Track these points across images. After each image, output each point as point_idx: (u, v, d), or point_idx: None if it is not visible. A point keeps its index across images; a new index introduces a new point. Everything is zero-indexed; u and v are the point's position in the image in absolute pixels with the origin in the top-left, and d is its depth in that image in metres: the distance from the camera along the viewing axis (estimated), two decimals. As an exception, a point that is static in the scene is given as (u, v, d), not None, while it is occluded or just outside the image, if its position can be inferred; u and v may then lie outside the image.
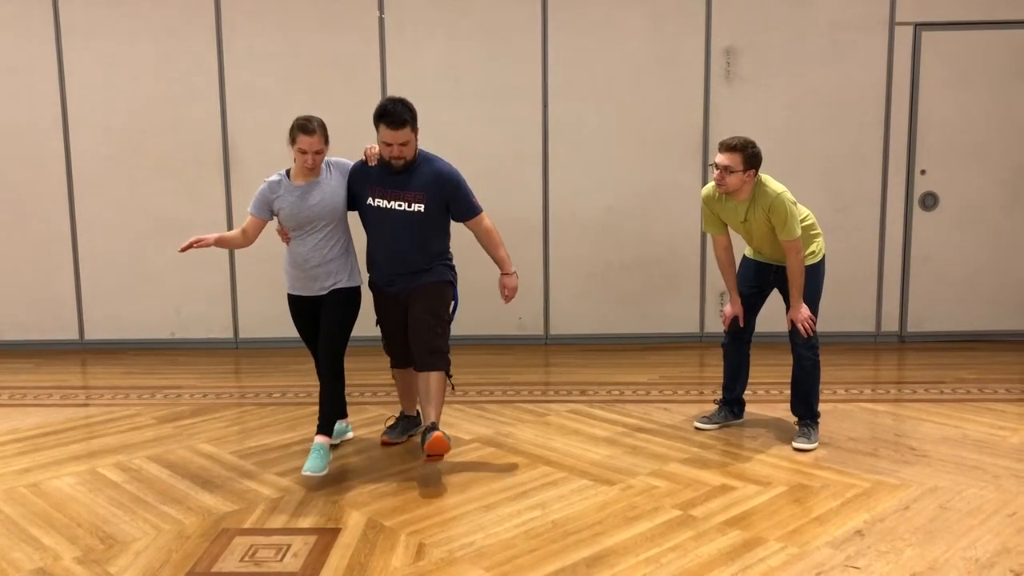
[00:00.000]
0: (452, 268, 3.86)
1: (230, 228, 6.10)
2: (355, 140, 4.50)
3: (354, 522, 3.25)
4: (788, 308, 4.02)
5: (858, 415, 4.49)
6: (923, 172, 6.02)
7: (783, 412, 4.36)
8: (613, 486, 3.56)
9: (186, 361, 5.91)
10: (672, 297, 6.18)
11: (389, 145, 3.59)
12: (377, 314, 3.92)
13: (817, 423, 4.08)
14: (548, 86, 5.98)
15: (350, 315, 3.77)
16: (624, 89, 5.97)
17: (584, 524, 3.20)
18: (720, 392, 4.38)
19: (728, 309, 4.19)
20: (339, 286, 3.75)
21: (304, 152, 3.61)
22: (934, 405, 4.65)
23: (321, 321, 3.78)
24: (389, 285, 3.79)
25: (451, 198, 3.73)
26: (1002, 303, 6.12)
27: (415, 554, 2.99)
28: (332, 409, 3.79)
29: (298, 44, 5.97)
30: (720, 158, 3.83)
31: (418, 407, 4.09)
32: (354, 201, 3.78)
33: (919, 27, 5.87)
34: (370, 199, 3.71)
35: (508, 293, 3.88)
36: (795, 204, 3.89)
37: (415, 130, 3.61)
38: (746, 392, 4.37)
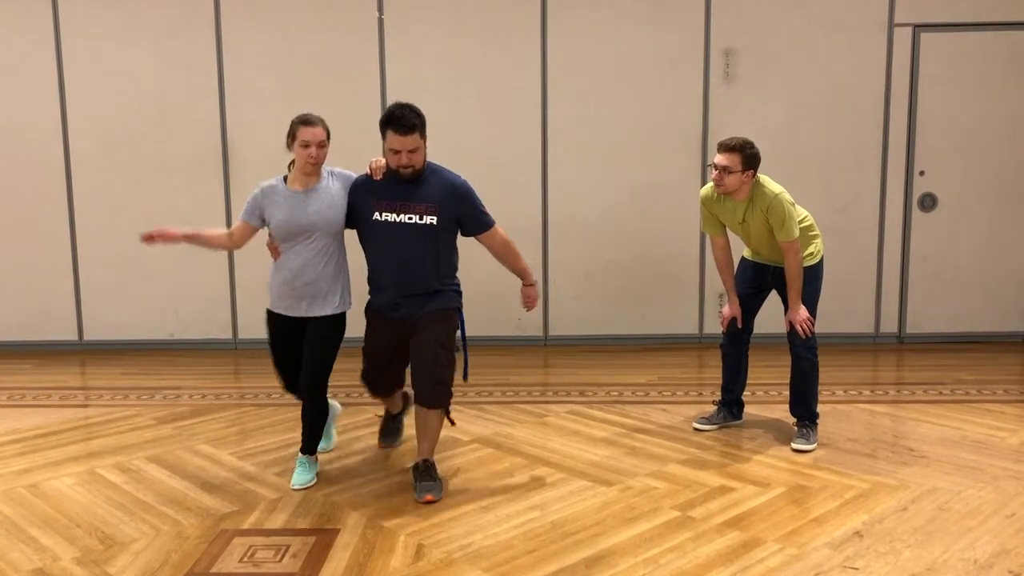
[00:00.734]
0: (460, 293, 3.66)
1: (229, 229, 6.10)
2: (354, 141, 4.51)
3: (353, 523, 3.25)
4: (787, 309, 4.02)
5: (857, 416, 4.50)
6: (922, 173, 6.02)
7: (782, 413, 4.37)
8: (612, 487, 3.56)
9: (185, 362, 5.91)
10: (671, 298, 6.18)
11: (397, 152, 3.37)
12: (368, 340, 3.65)
13: (816, 424, 4.09)
14: (547, 87, 5.99)
15: (338, 341, 3.58)
16: (623, 90, 5.97)
17: (583, 525, 3.20)
18: (719, 393, 4.38)
19: (726, 310, 4.19)
20: (327, 312, 3.52)
21: (307, 144, 3.41)
22: (933, 406, 4.65)
23: (306, 345, 3.54)
24: (394, 310, 3.52)
25: (462, 211, 3.51)
26: (1001, 304, 6.13)
27: (414, 555, 2.99)
28: (317, 431, 3.65)
29: (298, 45, 5.97)
30: (719, 158, 3.84)
31: (400, 406, 4.05)
32: (354, 218, 3.53)
33: (918, 28, 5.87)
34: (376, 214, 3.46)
35: (532, 304, 3.79)
36: (793, 205, 3.90)
37: (424, 137, 3.41)
38: (745, 393, 4.37)
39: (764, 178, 3.91)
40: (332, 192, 3.50)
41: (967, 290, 6.11)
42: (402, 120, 3.34)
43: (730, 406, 4.34)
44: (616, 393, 4.97)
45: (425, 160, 3.47)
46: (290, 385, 3.72)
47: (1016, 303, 6.13)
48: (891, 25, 5.88)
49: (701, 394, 4.92)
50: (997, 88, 5.90)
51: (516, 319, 6.14)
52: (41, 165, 6.08)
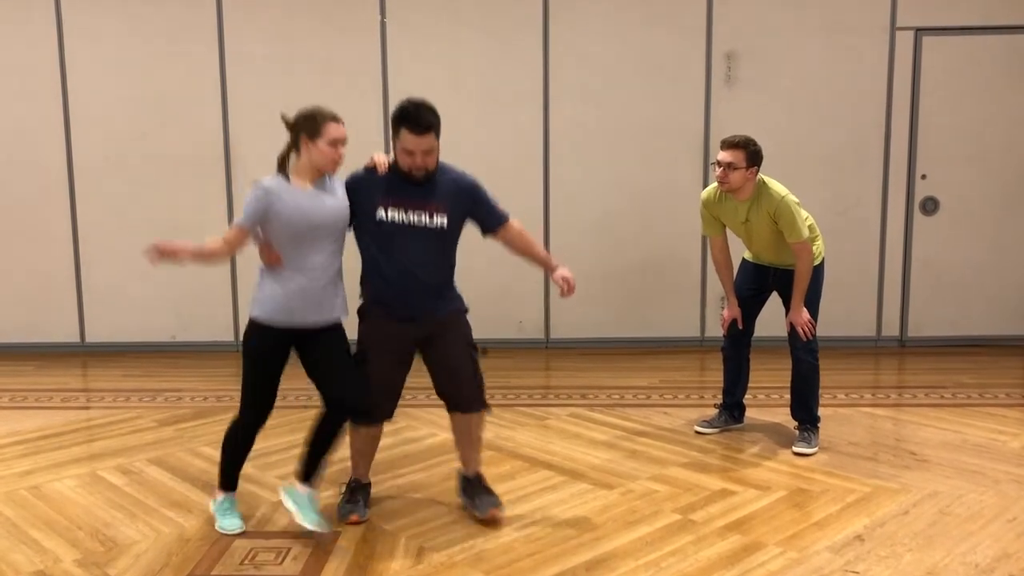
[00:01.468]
0: (461, 297, 3.41)
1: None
2: (356, 142, 4.50)
3: (353, 526, 3.25)
4: (788, 311, 4.02)
5: (858, 419, 4.49)
6: (923, 176, 6.02)
7: (783, 416, 4.36)
8: (613, 490, 3.56)
9: (187, 364, 5.91)
10: (673, 301, 6.18)
11: (411, 154, 3.09)
12: (372, 351, 3.27)
13: (817, 427, 4.08)
14: (549, 89, 5.99)
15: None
16: (625, 93, 5.98)
17: (584, 528, 3.20)
18: (720, 396, 4.38)
19: (726, 313, 4.19)
20: (341, 316, 3.22)
21: (336, 143, 3.07)
22: (934, 410, 4.65)
23: (327, 360, 3.18)
24: (409, 318, 3.22)
25: (475, 208, 3.27)
26: (1003, 308, 6.13)
27: (415, 558, 2.99)
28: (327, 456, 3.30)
29: (299, 47, 5.98)
30: (723, 155, 3.84)
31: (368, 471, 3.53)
32: (353, 216, 3.20)
33: (920, 32, 5.88)
34: (381, 211, 3.15)
35: (570, 286, 3.29)
36: (799, 205, 3.90)
37: (439, 137, 3.13)
38: (746, 396, 4.37)
39: (769, 180, 3.91)
40: (339, 190, 3.19)
41: (969, 294, 6.11)
42: (418, 118, 3.05)
43: (731, 409, 4.34)
44: (617, 396, 4.96)
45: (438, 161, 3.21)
46: (261, 417, 3.34)
47: (1018, 307, 6.13)
48: (893, 29, 5.88)
49: (702, 397, 4.92)
50: (999, 92, 5.90)
51: (518, 322, 6.15)
52: (43, 167, 6.09)
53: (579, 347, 6.17)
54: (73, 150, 6.08)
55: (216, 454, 4.05)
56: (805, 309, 3.96)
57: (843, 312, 5.93)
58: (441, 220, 3.19)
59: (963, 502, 3.41)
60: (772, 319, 4.41)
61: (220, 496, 3.31)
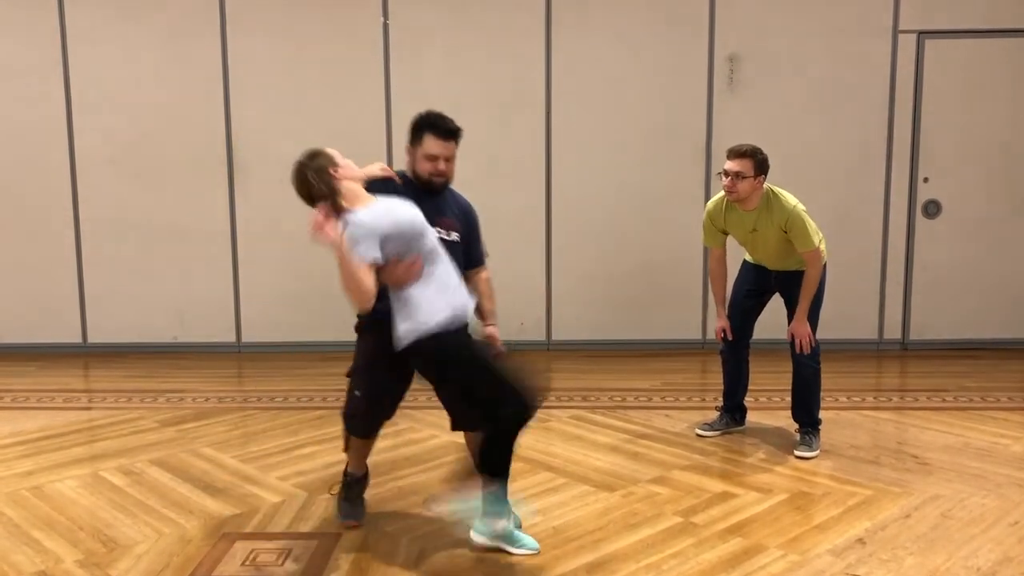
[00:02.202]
0: None
1: (233, 234, 6.12)
2: (359, 145, 4.52)
3: (355, 526, 3.25)
4: (789, 316, 4.01)
5: (860, 423, 4.49)
6: (926, 180, 6.02)
7: (785, 419, 4.36)
8: (614, 492, 3.56)
9: (189, 365, 5.92)
10: (675, 303, 6.18)
11: (434, 159, 3.07)
12: (374, 361, 3.13)
13: (818, 431, 4.08)
14: (551, 92, 5.99)
15: None
16: (627, 96, 5.98)
17: (585, 530, 3.20)
18: (721, 399, 4.38)
19: (717, 324, 4.19)
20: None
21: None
22: (936, 413, 4.65)
23: (487, 360, 2.97)
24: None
25: (469, 235, 3.24)
26: (1005, 311, 6.12)
27: (416, 559, 2.99)
28: None
29: (302, 50, 5.99)
30: (730, 164, 3.84)
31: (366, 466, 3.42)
32: None
33: (922, 35, 5.88)
34: None
35: (495, 343, 3.19)
36: (807, 213, 3.89)
37: (458, 147, 3.15)
38: (747, 399, 4.36)
39: (778, 190, 3.91)
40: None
41: (971, 297, 6.10)
42: (444, 123, 3.08)
43: (732, 412, 4.34)
44: (619, 398, 4.96)
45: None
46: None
47: (1020, 310, 6.12)
48: (895, 32, 5.88)
49: (704, 400, 4.91)
50: (1002, 95, 5.90)
51: (519, 324, 6.15)
52: (46, 168, 6.10)
53: (581, 349, 6.17)
54: (76, 151, 6.09)
55: (217, 455, 4.07)
56: (808, 324, 3.94)
57: (845, 315, 5.92)
58: (455, 236, 3.15)
59: (965, 506, 3.40)
60: (773, 322, 4.41)
61: (495, 487, 2.94)
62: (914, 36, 5.88)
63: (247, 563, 2.97)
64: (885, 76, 5.92)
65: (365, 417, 3.20)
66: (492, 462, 2.92)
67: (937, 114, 5.93)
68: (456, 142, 3.12)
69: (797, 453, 3.97)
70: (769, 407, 4.69)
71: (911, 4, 5.85)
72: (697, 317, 6.19)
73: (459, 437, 4.13)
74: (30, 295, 6.22)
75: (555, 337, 6.24)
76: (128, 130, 6.05)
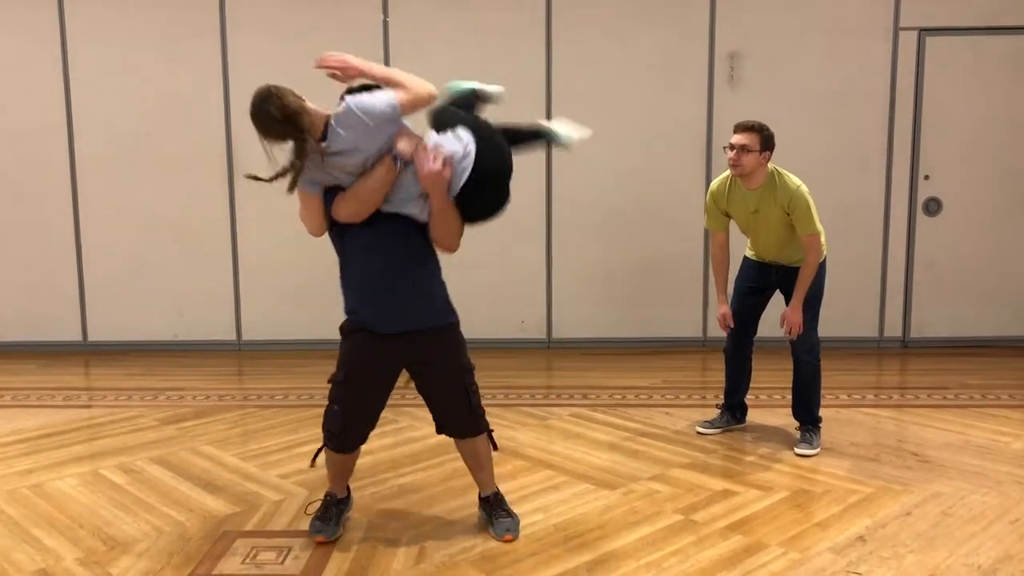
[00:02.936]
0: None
1: (233, 231, 6.12)
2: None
3: (355, 525, 3.25)
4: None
5: (861, 420, 4.49)
6: (927, 177, 6.01)
7: (785, 417, 4.35)
8: (615, 490, 3.56)
9: (189, 363, 5.92)
10: (675, 301, 6.17)
11: None
12: (347, 385, 3.00)
13: (819, 428, 4.08)
14: (551, 89, 5.99)
15: None
16: (628, 93, 5.97)
17: (585, 528, 3.20)
18: (722, 397, 4.37)
19: (719, 311, 4.16)
20: None
21: None
22: (937, 411, 4.64)
23: None
24: (384, 325, 2.98)
25: None
26: (1006, 308, 6.12)
27: (416, 557, 2.99)
28: None
29: (301, 46, 5.93)
30: (736, 138, 3.83)
31: (347, 489, 3.31)
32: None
33: (923, 32, 5.87)
34: None
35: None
36: (811, 196, 3.88)
37: None
38: (748, 397, 4.36)
39: (783, 171, 3.90)
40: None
41: (972, 294, 6.10)
42: None
43: (733, 410, 4.33)
44: (619, 396, 4.96)
45: None
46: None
47: (1021, 307, 6.12)
48: (896, 29, 5.87)
49: (704, 398, 4.91)
50: (1002, 92, 5.89)
51: (520, 322, 6.15)
52: (46, 166, 6.10)
53: (581, 347, 6.17)
54: (76, 149, 6.09)
55: (217, 453, 4.07)
56: (801, 312, 3.93)
57: (846, 312, 5.92)
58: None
59: (965, 503, 3.40)
60: (774, 320, 4.41)
61: None
62: (915, 33, 5.88)
63: (247, 561, 2.97)
64: (886, 73, 5.91)
65: (343, 433, 3.06)
66: None
67: (938, 111, 5.93)
68: None
69: (798, 451, 3.97)
70: (770, 405, 4.69)
71: (912, 1, 5.84)
72: (698, 315, 6.19)
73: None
74: (30, 293, 6.22)
75: (556, 335, 6.24)
76: (128, 128, 6.05)
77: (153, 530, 3.23)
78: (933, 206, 6.05)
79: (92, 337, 6.29)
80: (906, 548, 3.02)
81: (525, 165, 5.99)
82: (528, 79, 5.96)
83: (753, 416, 4.43)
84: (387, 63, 5.94)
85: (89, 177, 6.11)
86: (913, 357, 5.95)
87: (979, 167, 5.98)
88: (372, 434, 3.19)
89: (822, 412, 4.12)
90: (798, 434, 4.08)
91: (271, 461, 3.95)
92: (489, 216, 3.06)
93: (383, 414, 3.14)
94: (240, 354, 6.19)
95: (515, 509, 3.26)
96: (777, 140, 3.93)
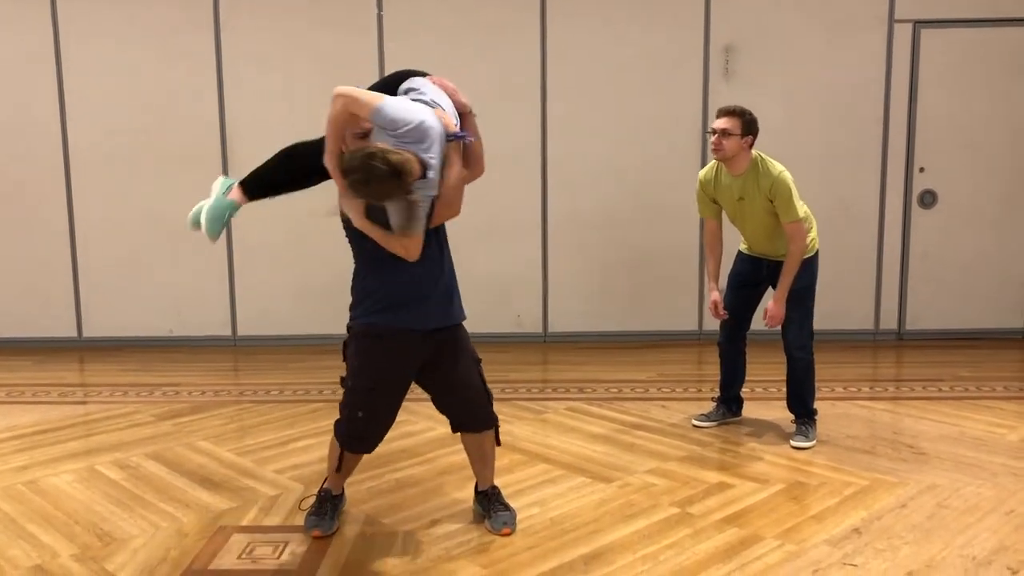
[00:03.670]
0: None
1: (228, 227, 6.08)
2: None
3: (351, 519, 3.25)
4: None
5: (856, 413, 4.49)
6: (922, 170, 6.01)
7: (781, 410, 4.36)
8: (611, 483, 3.56)
9: (184, 358, 5.91)
10: (671, 295, 6.18)
11: None
12: (372, 394, 3.00)
13: (815, 421, 4.08)
14: (547, 84, 5.98)
15: None
16: (623, 87, 5.96)
17: (582, 521, 3.20)
18: (718, 390, 4.38)
19: (710, 299, 4.14)
20: None
21: None
22: (932, 403, 4.65)
23: None
24: (423, 324, 2.98)
25: None
26: (1001, 301, 6.13)
27: (413, 551, 2.99)
28: None
29: (296, 42, 5.96)
30: (718, 122, 3.83)
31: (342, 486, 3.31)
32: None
33: (918, 24, 5.86)
34: None
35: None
36: (794, 184, 3.86)
37: None
38: (744, 390, 4.36)
39: (767, 157, 3.89)
40: None
41: (967, 287, 6.11)
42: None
43: (729, 403, 4.34)
44: (615, 390, 4.96)
45: None
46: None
47: (1016, 300, 6.13)
48: (891, 21, 5.87)
49: (700, 391, 4.92)
50: (998, 84, 5.89)
51: (515, 315, 6.15)
52: (41, 162, 6.08)
53: (577, 341, 6.17)
54: (70, 145, 6.07)
55: (213, 448, 4.06)
56: (784, 306, 3.89)
57: (841, 305, 5.93)
58: None
59: (961, 495, 3.41)
60: (770, 312, 4.42)
61: None
62: (910, 25, 5.87)
63: (244, 556, 2.97)
64: (881, 65, 5.91)
65: (365, 437, 3.08)
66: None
67: (933, 104, 5.93)
68: None
69: (793, 443, 3.98)
70: (765, 397, 4.69)
71: (907, -7, 5.85)
72: (693, 308, 6.19)
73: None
74: (25, 289, 6.20)
75: (551, 329, 6.24)
76: (122, 124, 6.02)
77: (149, 526, 3.23)
78: (928, 198, 6.05)
79: (87, 333, 6.28)
80: (902, 540, 3.02)
81: (522, 160, 6.02)
82: (523, 72, 5.95)
83: (749, 409, 4.43)
84: (381, 58, 5.94)
85: (83, 173, 6.09)
86: (908, 349, 5.96)
87: (974, 159, 5.98)
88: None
89: (817, 405, 4.12)
90: (794, 427, 4.09)
91: (267, 456, 3.95)
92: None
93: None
94: (235, 350, 6.18)
95: (512, 503, 3.26)
96: (773, 133, 3.93)
